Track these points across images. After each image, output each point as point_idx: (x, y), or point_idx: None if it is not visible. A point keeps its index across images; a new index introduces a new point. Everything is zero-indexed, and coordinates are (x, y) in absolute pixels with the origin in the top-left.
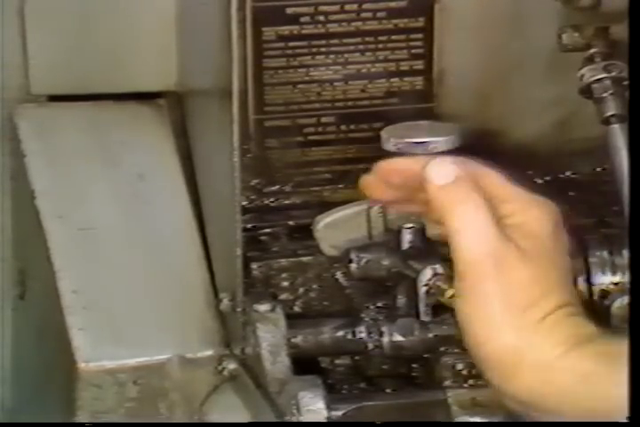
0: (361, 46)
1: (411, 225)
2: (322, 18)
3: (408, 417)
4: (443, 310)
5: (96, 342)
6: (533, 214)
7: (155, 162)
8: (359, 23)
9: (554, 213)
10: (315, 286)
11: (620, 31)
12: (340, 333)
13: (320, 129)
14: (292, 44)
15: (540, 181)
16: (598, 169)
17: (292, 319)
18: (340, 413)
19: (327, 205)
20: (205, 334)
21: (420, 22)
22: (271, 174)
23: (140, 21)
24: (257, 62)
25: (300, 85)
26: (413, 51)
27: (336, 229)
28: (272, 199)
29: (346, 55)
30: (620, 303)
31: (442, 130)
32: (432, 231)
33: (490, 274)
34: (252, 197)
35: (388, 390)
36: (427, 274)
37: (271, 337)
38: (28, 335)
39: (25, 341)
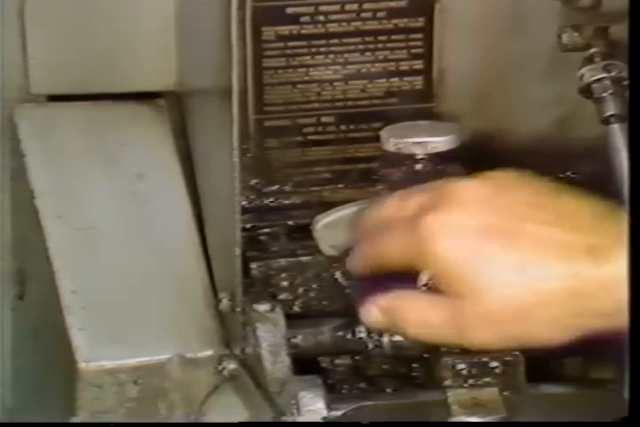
0: (361, 46)
1: None
2: (322, 18)
3: (408, 417)
4: None
5: (96, 342)
6: None
7: (154, 162)
8: (359, 23)
9: None
10: (314, 286)
11: (620, 31)
12: (340, 332)
13: (320, 129)
14: (291, 43)
15: None
16: (598, 169)
17: (292, 319)
18: (339, 413)
19: (327, 205)
20: (205, 333)
21: (420, 22)
22: (271, 174)
23: (140, 21)
24: (256, 62)
25: (299, 85)
26: (413, 51)
27: (335, 229)
28: (271, 199)
29: (346, 55)
30: None
31: (442, 130)
32: None
33: None
34: (252, 196)
35: (388, 390)
36: (427, 274)
37: (271, 337)
38: (28, 335)
39: (24, 341)
